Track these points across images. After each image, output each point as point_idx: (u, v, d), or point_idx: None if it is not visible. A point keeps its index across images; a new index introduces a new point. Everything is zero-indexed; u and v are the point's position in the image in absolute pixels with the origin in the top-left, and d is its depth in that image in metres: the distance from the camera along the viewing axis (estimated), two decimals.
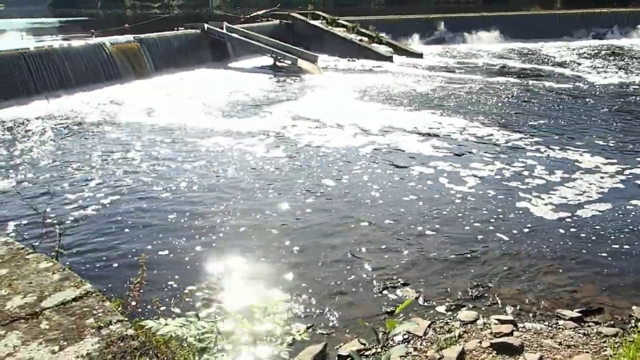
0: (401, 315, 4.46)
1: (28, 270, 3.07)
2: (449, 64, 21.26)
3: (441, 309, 4.73)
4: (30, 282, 2.93)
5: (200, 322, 1.85)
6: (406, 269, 5.41)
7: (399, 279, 5.20)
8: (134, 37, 17.58)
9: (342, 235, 6.15)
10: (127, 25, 21.41)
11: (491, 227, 6.34)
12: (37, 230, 5.91)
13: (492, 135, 10.44)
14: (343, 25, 25.14)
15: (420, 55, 23.01)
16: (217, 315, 1.94)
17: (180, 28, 20.49)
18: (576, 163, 8.62)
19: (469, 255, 5.67)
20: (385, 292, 4.99)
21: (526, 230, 6.26)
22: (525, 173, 8.19)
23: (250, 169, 8.53)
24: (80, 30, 23.70)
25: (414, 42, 26.77)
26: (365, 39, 23.83)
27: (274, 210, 6.83)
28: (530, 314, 4.65)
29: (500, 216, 6.65)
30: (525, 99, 14.12)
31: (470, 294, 4.96)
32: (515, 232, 6.21)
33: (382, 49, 22.98)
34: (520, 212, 6.79)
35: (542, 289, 5.03)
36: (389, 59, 21.90)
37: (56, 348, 2.36)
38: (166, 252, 5.76)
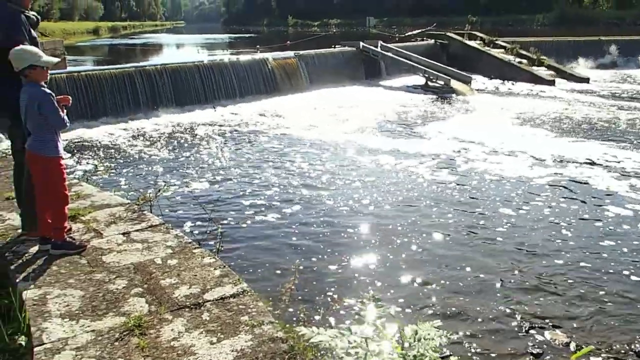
0: None
1: (194, 263, 3.36)
2: (622, 92, 19.30)
3: None
4: (195, 275, 3.21)
5: (351, 336, 1.86)
6: (563, 311, 4.95)
7: (551, 321, 4.80)
8: (294, 54, 18.65)
9: (504, 268, 5.78)
10: (288, 42, 22.76)
11: None
12: (203, 227, 6.48)
13: None
14: (501, 46, 24.20)
15: (586, 81, 21.29)
16: (368, 332, 1.94)
17: (337, 46, 21.29)
18: None
19: None
20: (532, 331, 4.64)
21: None
22: None
23: (416, 191, 8.27)
24: (247, 46, 25.60)
25: (579, 66, 24.87)
26: (525, 60, 22.67)
27: (440, 237, 6.60)
28: None
29: None
30: None
31: (633, 348, 4.41)
32: None
33: (543, 72, 21.68)
34: None
35: None
36: (551, 82, 20.58)
37: (214, 339, 2.54)
38: (321, 263, 5.83)
